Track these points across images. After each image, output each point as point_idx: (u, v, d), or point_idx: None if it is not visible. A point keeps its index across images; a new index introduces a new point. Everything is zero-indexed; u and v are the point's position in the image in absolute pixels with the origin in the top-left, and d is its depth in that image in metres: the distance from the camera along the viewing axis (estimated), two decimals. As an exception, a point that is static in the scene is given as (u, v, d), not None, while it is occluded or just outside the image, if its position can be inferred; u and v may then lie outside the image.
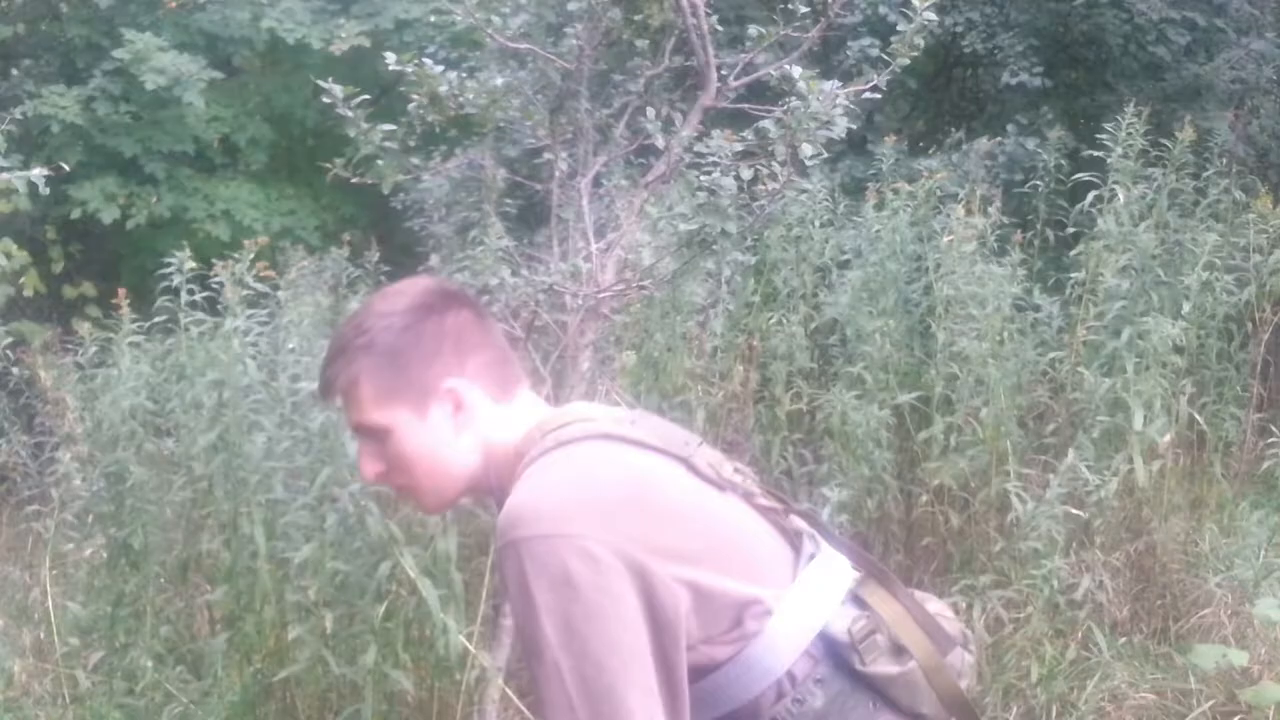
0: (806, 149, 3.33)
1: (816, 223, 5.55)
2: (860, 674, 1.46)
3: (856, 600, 1.50)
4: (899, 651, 1.48)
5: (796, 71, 3.27)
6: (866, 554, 1.60)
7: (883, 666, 1.46)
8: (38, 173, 3.79)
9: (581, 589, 1.35)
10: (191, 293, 4.15)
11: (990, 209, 5.25)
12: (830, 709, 1.45)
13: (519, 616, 1.38)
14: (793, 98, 3.31)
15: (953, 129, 7.25)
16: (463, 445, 1.55)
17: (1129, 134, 5.04)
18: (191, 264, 4.12)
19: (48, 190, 3.92)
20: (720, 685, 1.44)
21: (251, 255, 4.21)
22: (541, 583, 1.36)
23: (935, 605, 1.59)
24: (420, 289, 1.59)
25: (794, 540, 1.55)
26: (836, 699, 1.45)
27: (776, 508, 1.57)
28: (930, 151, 7.20)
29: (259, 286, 4.18)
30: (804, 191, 5.46)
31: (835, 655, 1.46)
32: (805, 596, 1.48)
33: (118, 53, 8.20)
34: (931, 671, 1.49)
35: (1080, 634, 3.82)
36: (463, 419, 1.54)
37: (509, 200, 4.08)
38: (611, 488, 1.46)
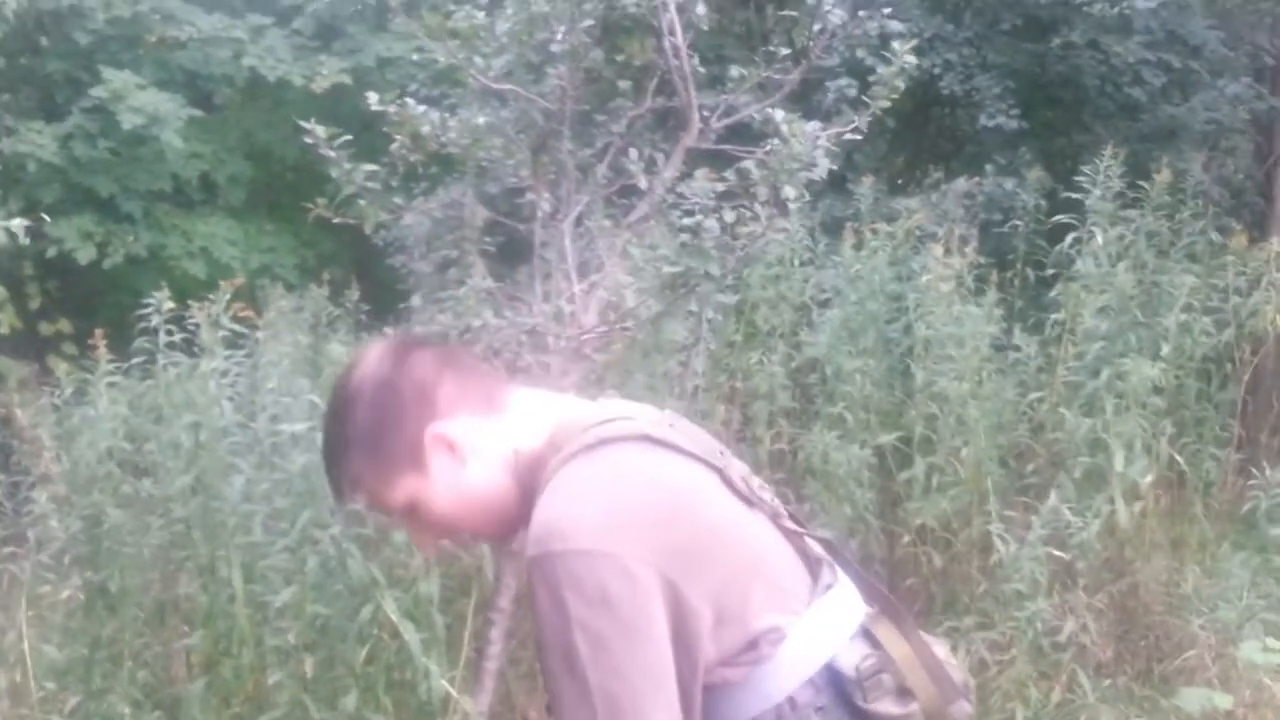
0: (789, 190, 3.35)
1: (796, 262, 5.57)
2: (860, 709, 1.45)
3: (867, 636, 1.50)
4: (903, 694, 1.48)
5: (779, 114, 3.29)
6: (884, 590, 1.59)
7: (885, 706, 1.46)
8: (18, 223, 3.78)
9: (618, 608, 1.35)
10: (170, 333, 4.13)
11: (968, 249, 5.28)
12: None
13: (548, 629, 1.36)
14: (775, 139, 3.34)
15: (931, 168, 7.30)
16: (480, 475, 1.52)
17: (1106, 175, 5.09)
18: (170, 304, 4.10)
19: (28, 240, 3.90)
20: (723, 703, 1.44)
21: (229, 295, 4.19)
22: (577, 598, 1.35)
23: (942, 651, 1.58)
24: (369, 362, 1.56)
25: (813, 567, 1.54)
26: None
27: (799, 531, 1.57)
28: (909, 191, 7.24)
29: (236, 328, 4.15)
30: (783, 231, 5.47)
31: (838, 688, 1.46)
32: (818, 626, 1.48)
33: (95, 91, 8.19)
34: (932, 717, 1.49)
35: (1065, 676, 3.81)
36: (462, 453, 1.52)
37: (489, 239, 4.07)
38: (649, 500, 1.44)
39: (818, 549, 1.57)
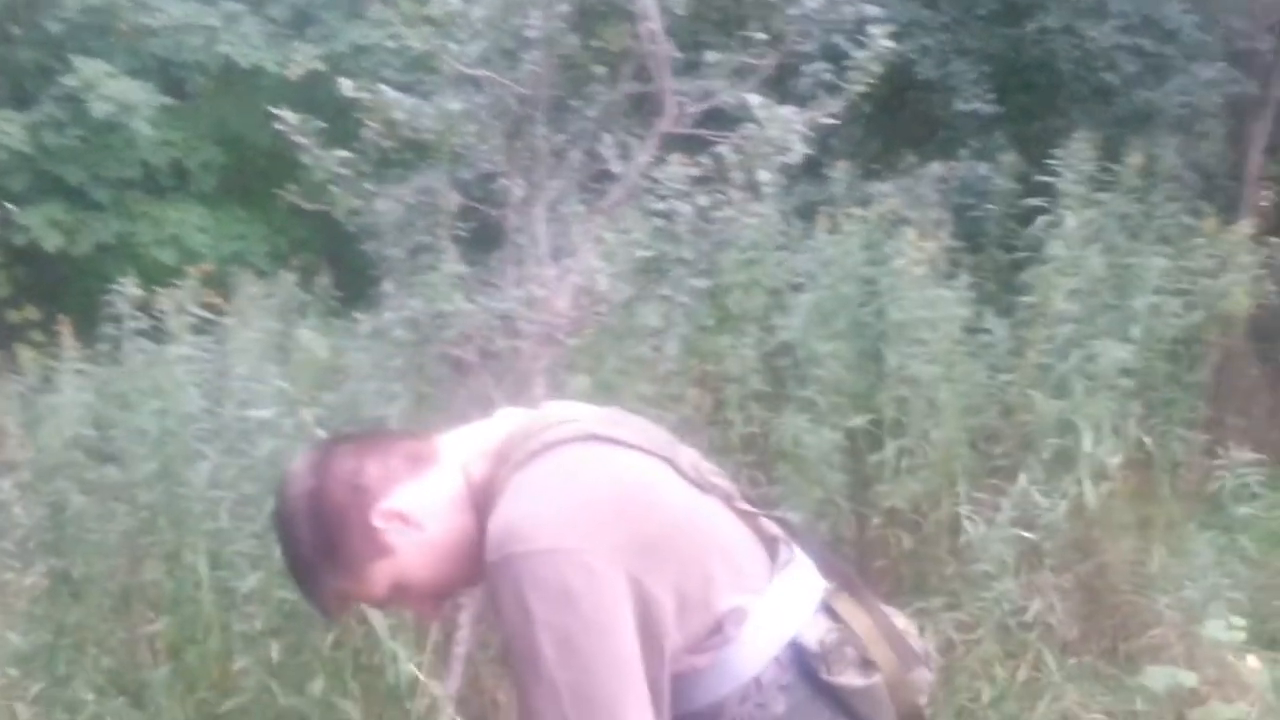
0: (763, 175, 3.35)
1: (770, 246, 5.57)
2: (824, 683, 1.47)
3: (828, 610, 1.51)
4: (866, 665, 1.49)
5: (754, 98, 3.29)
6: (841, 564, 1.61)
7: (849, 678, 1.48)
8: None
9: (580, 605, 1.34)
10: (137, 319, 4.10)
11: (941, 233, 5.28)
12: (791, 715, 1.46)
13: (513, 633, 1.36)
14: (750, 124, 3.33)
15: (906, 153, 7.30)
16: (442, 529, 1.52)
17: (1078, 159, 5.10)
18: (137, 291, 4.07)
19: None
20: (690, 689, 1.44)
21: (195, 281, 4.17)
22: (539, 599, 1.34)
23: (901, 622, 1.60)
24: (293, 482, 1.55)
25: (770, 545, 1.55)
26: (798, 706, 1.46)
27: (752, 511, 1.57)
28: (883, 176, 7.25)
29: (202, 314, 4.13)
30: (757, 215, 5.46)
31: (802, 663, 1.47)
32: (780, 604, 1.49)
33: (66, 79, 8.13)
34: (895, 687, 1.51)
35: (1031, 655, 3.84)
36: (416, 519, 1.51)
37: (461, 225, 4.06)
38: (604, 495, 1.44)
39: (773, 528, 1.58)
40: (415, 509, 1.51)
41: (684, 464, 1.54)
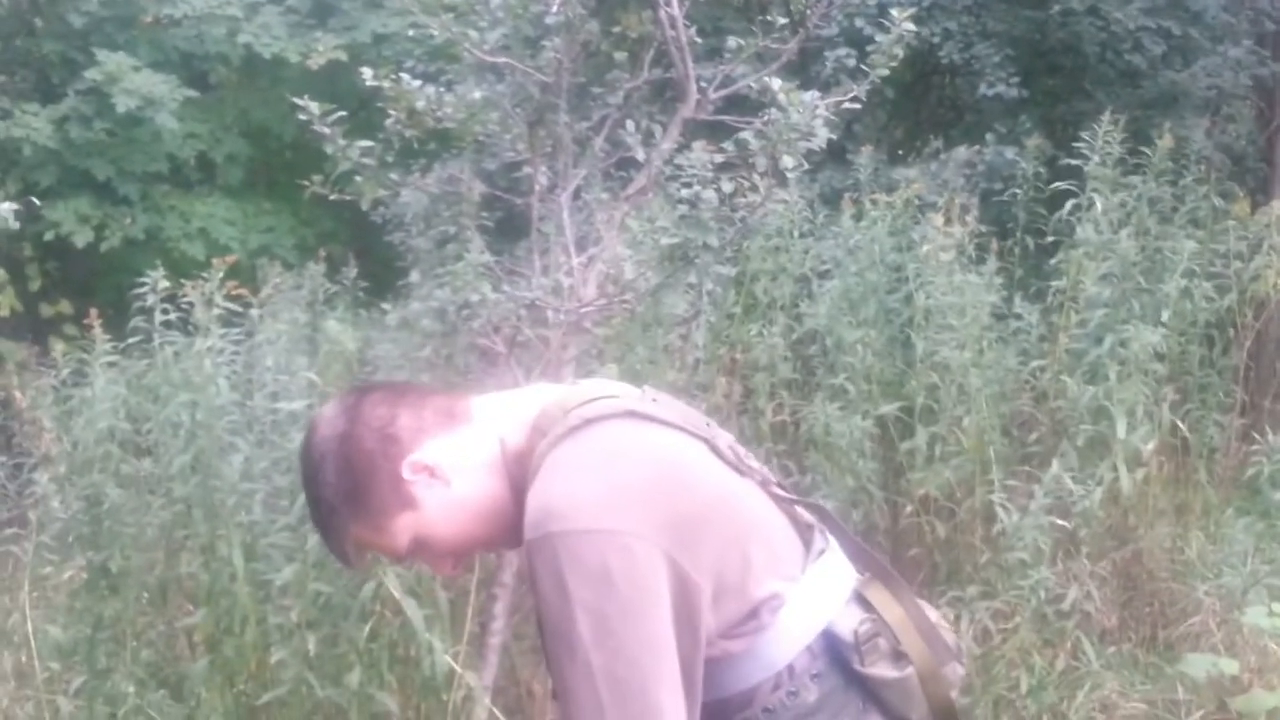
0: (788, 160, 3.32)
1: (795, 234, 5.55)
2: (856, 674, 1.46)
3: (861, 600, 1.50)
4: (899, 657, 1.48)
5: (776, 83, 3.27)
6: (875, 554, 1.59)
7: (881, 670, 1.47)
8: (7, 206, 3.79)
9: (618, 586, 1.34)
10: (166, 312, 4.11)
11: (968, 218, 5.25)
12: (822, 704, 1.45)
13: (550, 612, 1.36)
14: (773, 109, 3.31)
15: (931, 138, 7.26)
16: (468, 488, 1.51)
17: (1106, 142, 5.05)
18: (165, 283, 4.09)
19: (18, 225, 3.93)
20: (723, 674, 1.44)
21: (220, 273, 4.18)
22: (577, 579, 1.34)
23: (934, 615, 1.59)
24: (324, 424, 1.55)
25: (804, 533, 1.54)
26: (829, 695, 1.45)
27: (788, 497, 1.56)
28: (908, 161, 7.21)
29: (229, 305, 4.14)
30: (782, 202, 5.45)
31: (835, 653, 1.46)
32: (814, 592, 1.48)
33: (90, 73, 8.16)
34: (927, 679, 1.50)
35: (1069, 644, 3.81)
36: (444, 474, 1.51)
37: (485, 214, 4.05)
38: (644, 474, 1.43)
39: (807, 515, 1.57)
40: (445, 465, 1.50)
41: (721, 445, 1.52)
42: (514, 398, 1.59)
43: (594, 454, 1.44)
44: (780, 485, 1.58)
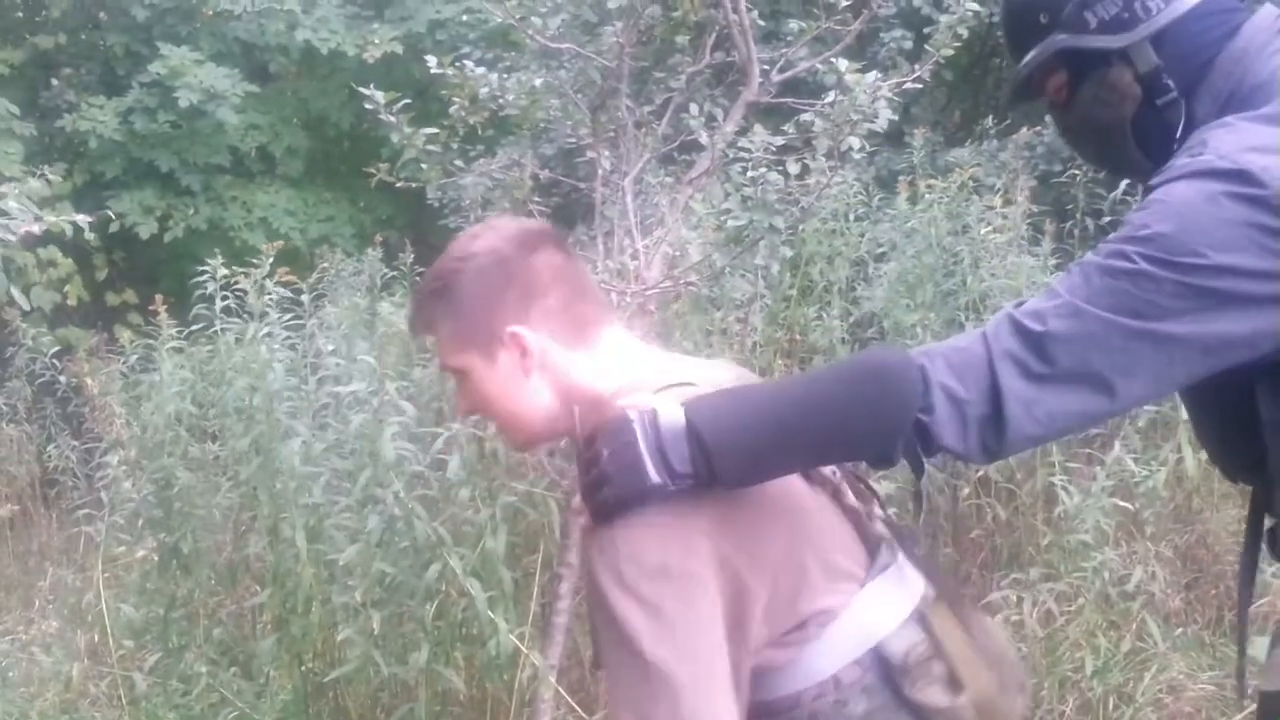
0: (853, 142, 3.32)
1: (851, 216, 5.52)
2: (906, 699, 1.43)
3: (922, 621, 1.47)
4: (953, 684, 1.45)
5: (843, 64, 3.26)
6: (946, 577, 1.56)
7: (932, 696, 1.44)
8: (82, 218, 3.98)
9: (674, 581, 1.32)
10: (226, 299, 4.20)
11: (1023, 199, 5.20)
12: (870, 718, 1.43)
13: (604, 602, 1.34)
14: (834, 91, 3.31)
15: (989, 119, 7.20)
16: (534, 389, 1.52)
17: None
18: (224, 271, 4.17)
19: (94, 236, 4.09)
20: (767, 681, 1.42)
21: (270, 259, 4.25)
22: (637, 570, 1.32)
23: (1002, 641, 1.56)
24: (500, 233, 1.55)
25: (871, 546, 1.51)
26: (878, 711, 1.43)
27: (860, 509, 1.53)
28: (967, 143, 7.15)
29: (283, 291, 4.21)
30: (843, 183, 5.43)
31: (883, 670, 1.44)
32: (869, 608, 1.45)
33: (154, 66, 8.30)
34: (982, 708, 1.46)
35: (1134, 625, 3.77)
36: (530, 364, 1.51)
37: (538, 199, 4.07)
38: None
39: (879, 529, 1.53)
40: (537, 359, 1.51)
41: None
42: (632, 349, 1.57)
43: None
44: (857, 493, 1.54)
